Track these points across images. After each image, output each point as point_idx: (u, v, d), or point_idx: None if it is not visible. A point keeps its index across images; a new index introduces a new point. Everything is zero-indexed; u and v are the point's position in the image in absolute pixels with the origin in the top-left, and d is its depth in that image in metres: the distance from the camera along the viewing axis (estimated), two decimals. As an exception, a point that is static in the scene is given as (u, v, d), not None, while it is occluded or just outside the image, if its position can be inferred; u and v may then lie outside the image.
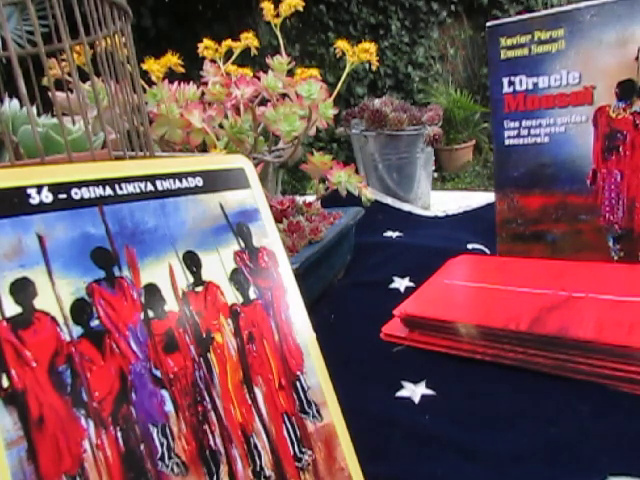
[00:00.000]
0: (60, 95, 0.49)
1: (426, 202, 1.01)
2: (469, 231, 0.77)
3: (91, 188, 0.25)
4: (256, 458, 0.25)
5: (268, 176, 0.74)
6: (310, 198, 0.69)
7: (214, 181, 0.30)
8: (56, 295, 0.22)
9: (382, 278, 0.63)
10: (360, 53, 0.71)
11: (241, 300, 0.28)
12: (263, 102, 0.67)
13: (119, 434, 0.22)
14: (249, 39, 0.76)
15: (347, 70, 0.72)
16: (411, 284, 0.60)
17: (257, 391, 0.26)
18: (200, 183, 0.29)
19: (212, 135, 0.64)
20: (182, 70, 0.70)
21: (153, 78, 0.67)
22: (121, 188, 0.26)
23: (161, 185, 0.28)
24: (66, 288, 0.23)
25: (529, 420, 0.36)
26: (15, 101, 0.45)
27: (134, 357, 0.23)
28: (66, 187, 0.24)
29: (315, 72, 0.72)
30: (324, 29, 3.99)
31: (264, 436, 0.26)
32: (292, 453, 0.26)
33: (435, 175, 3.61)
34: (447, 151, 3.98)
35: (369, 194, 0.64)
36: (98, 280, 0.24)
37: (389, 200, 0.94)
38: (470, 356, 0.44)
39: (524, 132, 0.58)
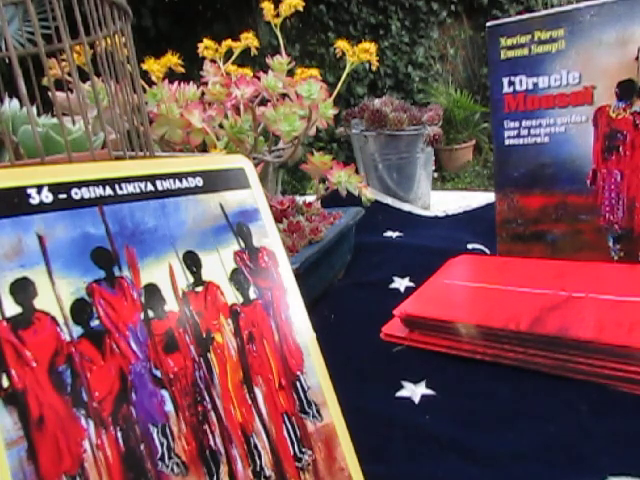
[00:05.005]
0: (60, 95, 0.49)
1: (426, 202, 1.01)
2: (469, 231, 0.77)
3: (91, 188, 0.25)
4: (256, 458, 0.25)
5: (268, 176, 0.74)
6: (310, 198, 0.69)
7: (214, 181, 0.30)
8: (56, 295, 0.22)
9: (382, 278, 0.63)
10: (360, 53, 0.71)
11: (241, 300, 0.28)
12: (263, 102, 0.67)
13: (119, 434, 0.22)
14: (249, 39, 0.76)
15: (347, 70, 0.72)
16: (411, 284, 0.60)
17: (257, 391, 0.26)
18: (200, 183, 0.29)
19: (212, 135, 0.64)
20: (182, 70, 0.70)
21: (153, 78, 0.67)
22: (121, 188, 0.26)
23: (161, 185, 0.28)
24: (66, 288, 0.23)
25: (529, 420, 0.36)
26: (15, 101, 0.45)
27: (134, 357, 0.23)
28: (66, 187, 0.24)
29: (315, 72, 0.72)
30: (324, 29, 3.99)
31: (264, 436, 0.26)
32: (292, 453, 0.26)
33: (435, 175, 3.61)
34: (447, 151, 3.97)
35: (369, 194, 0.64)
36: (98, 280, 0.24)
37: (389, 200, 0.94)
38: (470, 356, 0.44)
39: (524, 132, 0.58)
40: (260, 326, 0.28)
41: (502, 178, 0.60)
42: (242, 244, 0.29)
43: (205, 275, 0.27)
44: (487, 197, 0.92)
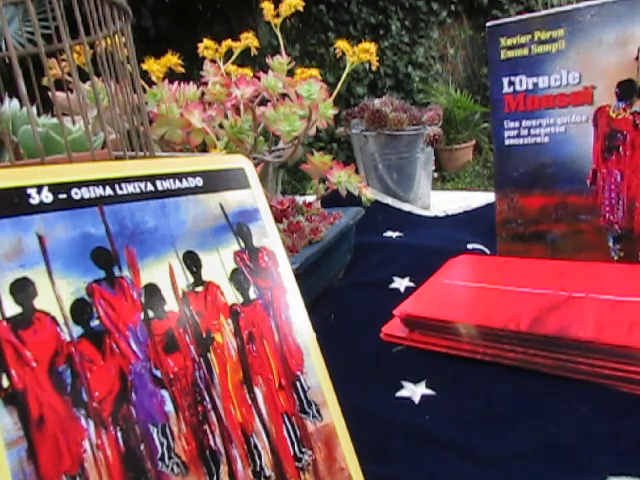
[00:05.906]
0: (60, 95, 0.49)
1: (426, 202, 1.01)
2: (469, 231, 0.77)
3: (91, 188, 0.25)
4: (256, 458, 0.25)
5: (268, 176, 0.74)
6: (310, 198, 0.69)
7: (214, 181, 0.30)
8: (56, 295, 0.22)
9: (382, 278, 0.63)
10: (360, 53, 0.71)
11: (241, 300, 0.28)
12: (263, 102, 0.67)
13: (119, 434, 0.22)
14: (249, 39, 0.76)
15: (347, 70, 0.72)
16: (411, 284, 0.60)
17: (257, 391, 0.26)
18: (200, 183, 0.29)
19: (212, 135, 0.64)
20: (182, 70, 0.70)
21: (153, 78, 0.67)
22: (121, 188, 0.26)
23: (161, 185, 0.28)
24: (66, 288, 0.23)
25: (529, 420, 0.36)
26: (15, 101, 0.45)
27: (134, 357, 0.23)
28: (66, 187, 0.24)
29: (315, 72, 0.72)
30: (324, 29, 3.99)
31: (264, 436, 0.26)
32: (292, 453, 0.26)
33: (435, 175, 3.61)
34: (447, 151, 3.97)
35: (369, 194, 0.64)
36: (98, 280, 0.24)
37: (389, 200, 0.94)
38: (470, 356, 0.44)
39: (524, 132, 0.58)
40: (260, 326, 0.28)
41: (502, 178, 0.60)
42: (242, 244, 0.29)
43: (205, 275, 0.27)
44: (487, 197, 0.92)
